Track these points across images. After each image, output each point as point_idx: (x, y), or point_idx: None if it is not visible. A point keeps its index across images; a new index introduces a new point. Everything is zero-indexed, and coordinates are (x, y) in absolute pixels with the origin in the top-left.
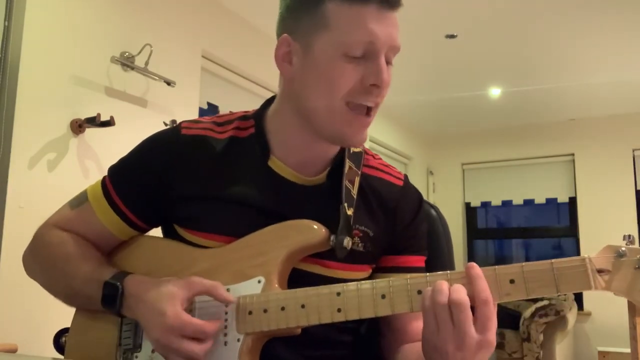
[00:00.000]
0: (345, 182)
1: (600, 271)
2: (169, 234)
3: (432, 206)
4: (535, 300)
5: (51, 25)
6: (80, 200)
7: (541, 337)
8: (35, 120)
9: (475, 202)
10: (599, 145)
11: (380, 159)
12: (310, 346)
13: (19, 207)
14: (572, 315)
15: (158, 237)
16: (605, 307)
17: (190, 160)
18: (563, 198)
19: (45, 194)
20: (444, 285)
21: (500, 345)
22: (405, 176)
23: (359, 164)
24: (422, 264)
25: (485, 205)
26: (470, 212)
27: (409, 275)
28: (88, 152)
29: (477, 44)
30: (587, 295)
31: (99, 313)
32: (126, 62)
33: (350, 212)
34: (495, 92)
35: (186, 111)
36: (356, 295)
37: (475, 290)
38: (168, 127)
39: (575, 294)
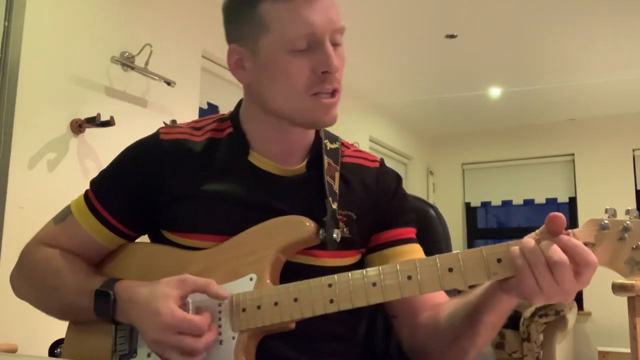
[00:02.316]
0: (327, 178)
1: (584, 244)
2: (157, 241)
3: (431, 205)
4: None
5: (51, 25)
6: (65, 215)
7: (541, 337)
8: (35, 120)
9: (475, 202)
10: (599, 145)
11: (354, 146)
12: (306, 340)
13: (19, 207)
14: (572, 315)
15: (148, 243)
16: (605, 307)
17: (173, 163)
18: (563, 198)
19: (45, 194)
20: (534, 243)
21: (500, 345)
22: (381, 159)
23: (337, 160)
24: (414, 235)
25: (485, 205)
26: (470, 212)
27: (398, 263)
28: (88, 152)
29: (477, 44)
30: (587, 295)
31: (93, 322)
32: (126, 62)
33: (335, 205)
34: (495, 92)
35: (186, 111)
36: (348, 286)
37: (547, 254)
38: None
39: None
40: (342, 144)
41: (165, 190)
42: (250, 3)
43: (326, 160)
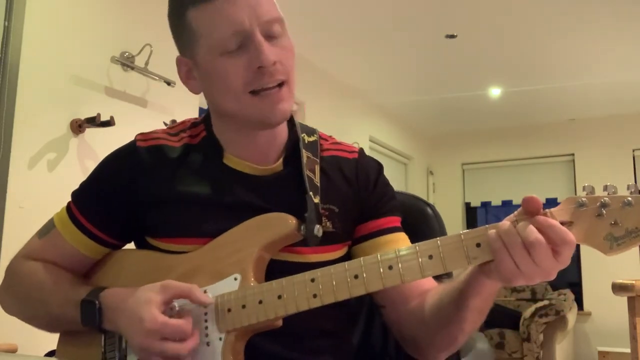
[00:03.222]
0: (307, 172)
1: (562, 223)
2: (142, 248)
3: (428, 204)
4: (535, 300)
5: (51, 25)
6: (48, 229)
7: (541, 337)
8: (35, 120)
9: (475, 202)
10: (599, 145)
11: (333, 138)
12: (295, 337)
13: (19, 207)
14: (572, 315)
15: (134, 250)
16: (605, 307)
17: (151, 169)
18: (563, 198)
19: (45, 194)
20: (510, 225)
21: (500, 345)
22: (361, 149)
23: (316, 153)
24: (398, 224)
25: (485, 205)
26: (470, 212)
27: (379, 253)
28: (88, 152)
29: (477, 44)
30: (587, 295)
31: (82, 332)
32: (126, 62)
33: (317, 199)
34: (495, 92)
35: (186, 111)
36: (330, 280)
37: (523, 235)
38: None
39: (575, 294)
40: (320, 136)
41: (145, 196)
42: (179, 15)
43: (305, 154)
